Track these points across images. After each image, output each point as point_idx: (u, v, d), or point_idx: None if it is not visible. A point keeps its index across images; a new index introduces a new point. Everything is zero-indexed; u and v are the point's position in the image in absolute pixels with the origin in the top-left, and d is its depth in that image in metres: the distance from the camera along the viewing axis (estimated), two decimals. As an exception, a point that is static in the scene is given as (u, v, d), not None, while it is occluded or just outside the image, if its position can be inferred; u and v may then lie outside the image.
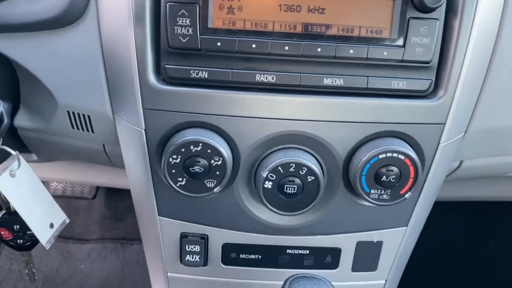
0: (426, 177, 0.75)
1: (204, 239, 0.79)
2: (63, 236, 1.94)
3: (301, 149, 0.72)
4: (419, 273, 1.70)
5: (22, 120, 0.78)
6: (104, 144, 0.80)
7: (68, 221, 0.84)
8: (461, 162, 0.83)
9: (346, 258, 0.81)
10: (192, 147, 0.67)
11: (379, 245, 0.81)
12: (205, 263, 0.81)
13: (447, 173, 0.84)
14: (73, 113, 0.73)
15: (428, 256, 1.75)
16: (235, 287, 0.84)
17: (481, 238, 1.81)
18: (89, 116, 0.74)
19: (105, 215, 1.96)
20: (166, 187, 0.73)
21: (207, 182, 0.70)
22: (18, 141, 0.84)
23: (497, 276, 1.76)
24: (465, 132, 0.74)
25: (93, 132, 0.76)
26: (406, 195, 0.71)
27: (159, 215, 0.78)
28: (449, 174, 0.86)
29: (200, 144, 0.67)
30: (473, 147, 0.78)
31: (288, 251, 0.80)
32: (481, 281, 1.76)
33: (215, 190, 0.70)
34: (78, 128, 0.76)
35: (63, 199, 1.91)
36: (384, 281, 0.85)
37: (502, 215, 1.74)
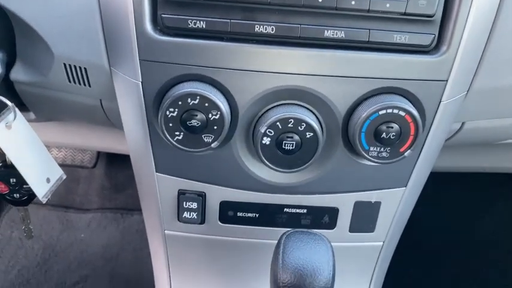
0: (426, 136, 0.74)
1: (201, 197, 0.79)
2: (64, 205, 1.95)
3: (301, 105, 0.71)
4: (417, 248, 1.71)
5: (18, 73, 0.77)
6: (101, 100, 0.79)
7: (64, 176, 0.84)
8: (462, 124, 0.82)
9: (344, 219, 0.81)
10: (189, 100, 0.66)
11: (377, 205, 0.80)
12: (202, 221, 0.81)
13: (448, 136, 0.84)
14: (69, 65, 0.72)
15: (426, 230, 1.75)
16: (232, 245, 0.84)
17: (480, 212, 1.81)
18: (85, 69, 0.73)
19: (105, 185, 1.96)
20: (164, 143, 0.73)
21: (204, 136, 0.69)
22: (16, 99, 0.83)
23: (496, 251, 1.77)
24: (467, 91, 0.73)
25: (90, 86, 0.75)
26: (406, 153, 0.71)
27: (156, 172, 0.77)
28: (450, 138, 0.85)
29: (198, 97, 0.66)
30: (475, 108, 0.77)
31: (285, 209, 0.80)
32: (480, 256, 1.76)
33: (212, 145, 0.70)
34: (75, 82, 0.75)
35: (63, 168, 1.91)
36: (382, 243, 0.85)
37: (502, 189, 1.74)
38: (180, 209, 0.80)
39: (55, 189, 0.81)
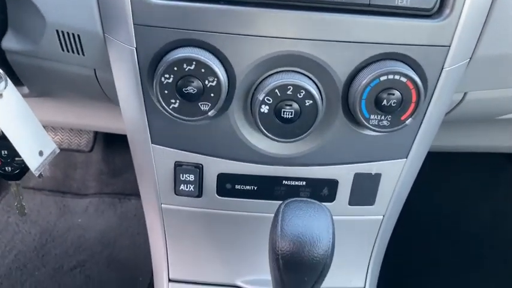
0: (428, 105, 0.72)
1: (198, 168, 0.77)
2: (61, 190, 1.93)
3: (300, 72, 0.69)
4: (416, 230, 1.70)
5: (10, 42, 0.75)
6: (95, 70, 0.77)
7: (58, 150, 0.82)
8: (464, 95, 0.80)
9: (343, 191, 0.80)
10: (185, 65, 0.65)
11: (377, 177, 0.79)
12: (199, 194, 0.79)
13: (450, 108, 0.82)
14: (62, 32, 0.70)
15: (426, 212, 1.74)
16: (230, 219, 0.83)
17: (482, 195, 1.80)
18: (78, 36, 0.71)
19: (103, 170, 1.95)
20: (160, 112, 0.71)
21: (201, 104, 0.68)
22: (9, 73, 0.82)
23: (497, 235, 1.76)
24: (470, 58, 0.71)
25: (83, 54, 0.73)
26: (407, 122, 0.69)
27: (152, 143, 0.76)
28: (452, 110, 0.83)
29: (194, 63, 0.64)
30: (478, 77, 0.75)
31: (284, 182, 0.79)
32: (481, 239, 1.75)
33: (209, 114, 0.68)
34: (68, 50, 0.73)
35: (60, 152, 1.90)
36: (382, 217, 0.84)
37: (504, 171, 1.73)
38: (176, 182, 0.78)
39: (48, 163, 0.79)
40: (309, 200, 0.67)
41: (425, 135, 0.76)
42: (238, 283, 0.88)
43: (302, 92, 0.67)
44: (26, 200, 1.88)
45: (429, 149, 0.86)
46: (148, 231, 0.90)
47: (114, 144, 1.92)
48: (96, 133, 1.82)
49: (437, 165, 1.64)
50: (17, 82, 0.85)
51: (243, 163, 0.77)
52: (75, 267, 1.72)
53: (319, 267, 0.62)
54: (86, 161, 1.94)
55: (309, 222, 0.63)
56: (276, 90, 0.67)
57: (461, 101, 0.81)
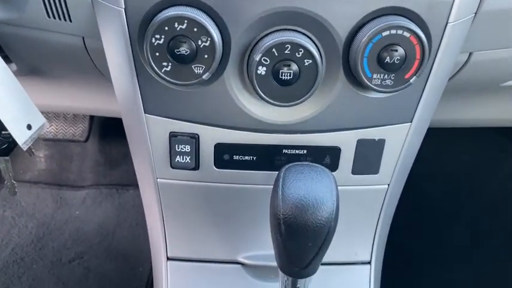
0: (433, 64, 0.69)
1: (194, 139, 0.74)
2: (57, 182, 1.90)
3: (298, 31, 0.66)
4: (419, 209, 1.67)
5: None
6: (83, 38, 0.74)
7: (47, 125, 0.79)
8: (469, 55, 0.77)
9: (346, 159, 0.76)
10: (176, 24, 0.61)
11: (381, 143, 0.75)
12: (196, 166, 0.76)
13: (455, 70, 0.79)
14: None
15: (429, 191, 1.71)
16: (229, 192, 0.80)
17: (486, 172, 1.77)
18: (64, 0, 0.67)
19: (99, 162, 1.92)
20: (152, 79, 0.68)
21: (194, 67, 0.64)
22: None
23: (497, 218, 1.73)
24: (475, 13, 0.68)
25: (70, 21, 0.70)
26: (411, 80, 0.66)
27: (145, 113, 0.72)
28: (457, 73, 0.80)
29: (185, 22, 0.61)
30: (484, 35, 0.72)
31: (284, 151, 0.75)
32: (483, 219, 1.73)
33: (204, 77, 0.65)
34: (54, 17, 0.69)
35: (56, 144, 1.87)
36: (387, 186, 0.81)
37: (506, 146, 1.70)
38: (172, 153, 0.75)
39: (36, 137, 0.75)
40: (310, 163, 0.64)
41: (430, 97, 0.73)
42: (240, 259, 0.84)
43: (301, 51, 0.64)
44: (22, 193, 1.86)
45: (433, 124, 0.82)
46: (144, 209, 0.87)
47: (110, 134, 1.89)
48: (91, 122, 1.79)
49: (443, 141, 1.61)
50: (5, 59, 0.81)
51: (240, 132, 0.73)
52: (74, 259, 1.69)
53: (323, 232, 0.59)
54: (82, 152, 1.91)
55: (312, 185, 0.59)
56: (273, 50, 0.64)
57: (466, 62, 0.77)
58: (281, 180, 0.61)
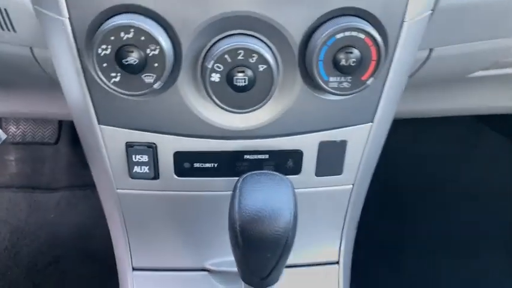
0: (391, 63, 0.68)
1: (152, 148, 0.72)
2: (30, 186, 1.86)
3: (252, 35, 0.64)
4: (392, 200, 1.68)
5: None
6: (31, 48, 0.71)
7: (4, 137, 0.76)
8: (430, 52, 0.76)
9: (309, 162, 0.75)
10: (122, 34, 0.59)
11: (343, 144, 0.74)
12: (156, 176, 0.74)
13: (416, 67, 0.78)
14: None
15: (401, 182, 1.72)
16: (191, 200, 0.78)
17: (458, 161, 1.79)
18: (6, 10, 0.64)
19: (72, 162, 1.88)
20: (103, 90, 0.65)
21: (144, 76, 0.62)
22: None
23: (470, 207, 1.75)
24: (433, 10, 0.67)
25: (14, 31, 0.67)
26: (368, 82, 0.64)
27: (99, 124, 0.70)
28: (419, 69, 0.79)
29: (132, 30, 0.59)
30: (443, 31, 0.71)
31: (245, 156, 0.74)
32: (463, 207, 1.74)
33: (155, 86, 0.62)
34: None
35: (26, 147, 1.82)
36: (351, 186, 0.80)
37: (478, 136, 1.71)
38: (130, 164, 0.73)
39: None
40: (267, 172, 0.63)
41: (390, 96, 0.72)
42: (206, 266, 0.83)
43: (254, 56, 0.62)
44: (-6, 198, 1.81)
45: (401, 115, 0.82)
46: (107, 220, 0.85)
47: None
48: (60, 123, 1.75)
49: (411, 132, 1.61)
50: None
51: (199, 139, 0.72)
52: (50, 263, 1.66)
53: (281, 242, 0.58)
54: (53, 154, 1.86)
55: (269, 195, 0.58)
56: (226, 56, 0.62)
57: (427, 58, 0.77)
58: (238, 191, 0.60)
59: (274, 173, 0.62)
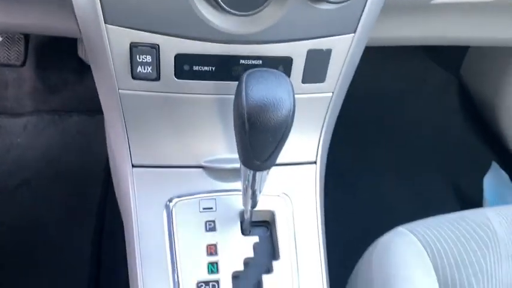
0: None
1: (155, 49, 0.77)
2: (-6, 110, 1.83)
3: None
4: (350, 129, 1.82)
5: None
6: None
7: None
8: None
9: (297, 69, 0.83)
10: None
11: (328, 53, 0.83)
12: (158, 77, 0.80)
13: None
14: None
15: (360, 114, 1.85)
16: (189, 102, 0.84)
17: (412, 92, 1.95)
18: None
19: (38, 88, 1.85)
20: None
21: None
22: None
23: (421, 135, 1.94)
24: None
25: None
26: None
27: (105, 23, 0.74)
28: None
29: None
30: None
31: (241, 61, 0.81)
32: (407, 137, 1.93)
33: None
34: None
35: (-12, 70, 1.77)
36: (331, 94, 0.89)
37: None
38: (133, 64, 0.77)
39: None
40: (268, 69, 0.70)
41: (371, 10, 0.80)
42: (202, 163, 0.91)
43: None
44: (-44, 123, 1.77)
45: (370, 43, 0.90)
46: (105, 122, 0.90)
47: (48, 58, 1.81)
48: (27, 45, 1.70)
49: (369, 69, 1.74)
50: None
51: (199, 42, 0.77)
52: (20, 185, 1.68)
53: (282, 128, 0.66)
54: (17, 78, 1.83)
55: (272, 87, 0.66)
56: None
57: None
58: (244, 83, 0.67)
59: (273, 70, 0.70)
